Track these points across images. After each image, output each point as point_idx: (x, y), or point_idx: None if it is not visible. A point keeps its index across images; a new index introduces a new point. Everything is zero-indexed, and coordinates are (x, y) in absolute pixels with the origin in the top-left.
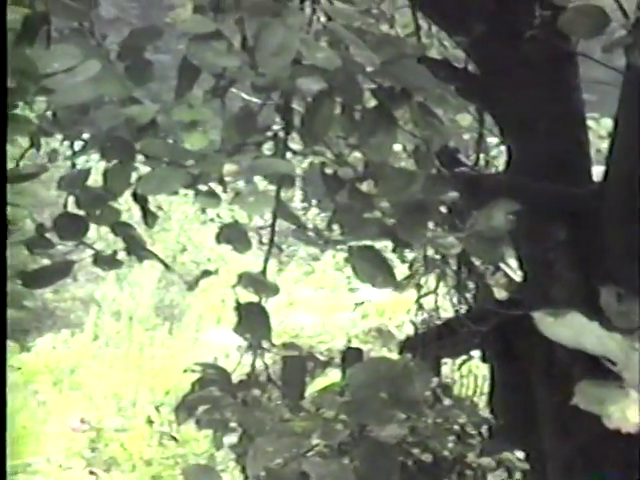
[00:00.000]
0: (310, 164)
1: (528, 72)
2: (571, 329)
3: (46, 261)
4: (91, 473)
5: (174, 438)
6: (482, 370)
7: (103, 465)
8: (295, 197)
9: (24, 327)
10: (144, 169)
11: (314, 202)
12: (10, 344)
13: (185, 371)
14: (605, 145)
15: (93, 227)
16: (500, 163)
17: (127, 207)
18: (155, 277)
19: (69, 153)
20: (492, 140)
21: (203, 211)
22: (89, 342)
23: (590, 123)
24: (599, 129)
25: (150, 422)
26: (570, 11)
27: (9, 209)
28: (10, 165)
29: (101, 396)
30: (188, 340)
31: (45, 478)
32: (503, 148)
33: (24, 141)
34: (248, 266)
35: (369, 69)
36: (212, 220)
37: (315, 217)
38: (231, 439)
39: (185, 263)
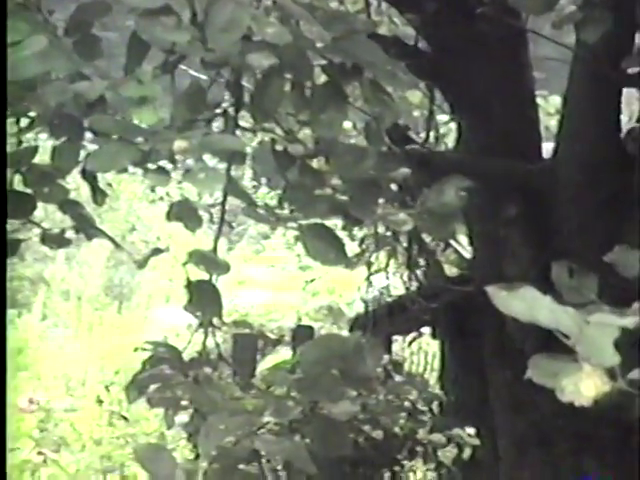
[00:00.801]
0: (261, 142)
1: (479, 49)
2: (525, 303)
3: None
4: (39, 454)
5: (124, 417)
6: (433, 347)
7: (52, 445)
8: (245, 175)
9: None
10: (92, 147)
11: (264, 180)
12: None
13: (136, 350)
14: (554, 122)
15: (40, 205)
16: (450, 140)
17: (76, 185)
18: (104, 256)
19: (15, 130)
20: (442, 117)
21: (152, 190)
22: (37, 322)
23: (539, 100)
24: (548, 106)
25: (100, 402)
26: None
27: None
28: None
29: (50, 376)
30: (138, 319)
31: None
32: (453, 125)
33: None
34: (197, 245)
35: (319, 45)
36: (161, 199)
37: (265, 195)
38: (182, 418)
39: (134, 242)
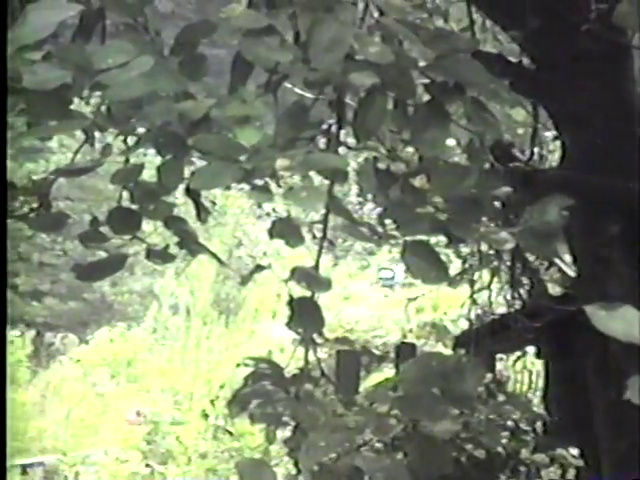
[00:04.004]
0: (366, 159)
1: (583, 66)
2: (624, 322)
3: (103, 254)
4: (147, 466)
5: (229, 432)
6: (537, 366)
7: (159, 458)
8: (351, 192)
9: (83, 320)
10: (200, 163)
11: (369, 197)
12: (69, 336)
13: (238, 365)
14: None
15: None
16: (556, 158)
17: (184, 201)
18: (213, 271)
19: (123, 148)
20: (548, 135)
21: (259, 206)
22: (146, 335)
23: None
24: None
25: (205, 415)
26: (625, 4)
27: (69, 203)
28: (66, 159)
29: (157, 389)
30: (244, 333)
31: (103, 470)
32: (559, 143)
33: (80, 136)
34: (303, 261)
35: (422, 64)
36: (268, 214)
37: (371, 212)
38: (284, 433)
39: (241, 257)
